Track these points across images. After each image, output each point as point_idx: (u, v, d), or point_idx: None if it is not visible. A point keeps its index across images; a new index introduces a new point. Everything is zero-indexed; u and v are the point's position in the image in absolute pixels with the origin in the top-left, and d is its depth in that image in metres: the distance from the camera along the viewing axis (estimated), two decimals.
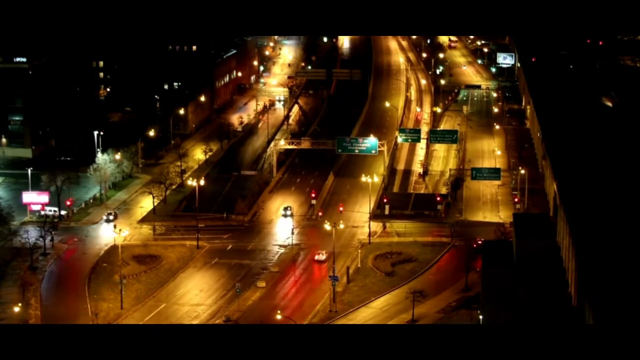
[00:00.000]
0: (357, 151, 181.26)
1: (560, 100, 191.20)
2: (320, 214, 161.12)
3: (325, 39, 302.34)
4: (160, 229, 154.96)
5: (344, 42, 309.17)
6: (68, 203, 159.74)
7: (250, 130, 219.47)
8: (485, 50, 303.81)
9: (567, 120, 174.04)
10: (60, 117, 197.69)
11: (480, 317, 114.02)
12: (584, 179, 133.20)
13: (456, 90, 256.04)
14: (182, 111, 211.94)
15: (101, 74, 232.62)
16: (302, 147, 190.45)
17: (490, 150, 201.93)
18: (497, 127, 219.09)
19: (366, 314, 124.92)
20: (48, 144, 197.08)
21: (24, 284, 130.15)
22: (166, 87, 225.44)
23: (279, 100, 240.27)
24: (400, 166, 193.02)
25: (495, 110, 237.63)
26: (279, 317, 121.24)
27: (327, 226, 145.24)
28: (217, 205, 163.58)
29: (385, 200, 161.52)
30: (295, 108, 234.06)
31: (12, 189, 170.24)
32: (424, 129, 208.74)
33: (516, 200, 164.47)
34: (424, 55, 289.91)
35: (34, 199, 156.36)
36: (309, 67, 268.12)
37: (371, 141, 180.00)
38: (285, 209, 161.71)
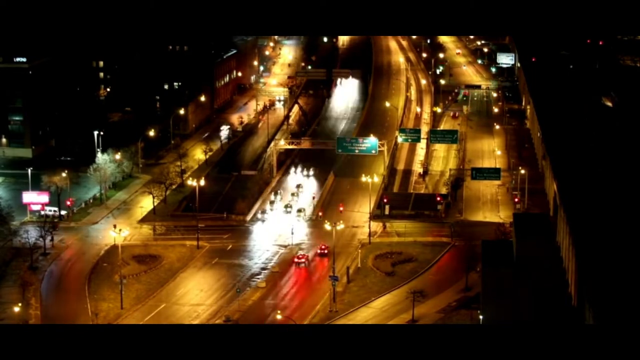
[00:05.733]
0: (357, 151, 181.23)
1: (560, 100, 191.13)
2: (320, 214, 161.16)
3: (325, 39, 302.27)
4: (160, 229, 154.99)
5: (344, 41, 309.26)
6: (68, 203, 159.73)
7: (250, 130, 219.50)
8: (485, 50, 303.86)
9: (567, 120, 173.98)
10: (60, 117, 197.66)
11: (480, 317, 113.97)
12: (584, 179, 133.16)
13: (456, 90, 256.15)
14: (182, 111, 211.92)
15: (101, 74, 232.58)
16: (302, 147, 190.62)
17: (490, 150, 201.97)
18: (497, 127, 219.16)
19: (366, 314, 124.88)
20: (48, 144, 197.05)
21: (24, 284, 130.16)
22: (166, 87, 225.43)
23: (279, 100, 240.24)
24: (400, 166, 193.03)
25: (496, 110, 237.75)
26: (279, 317, 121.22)
27: (327, 226, 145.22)
28: (217, 205, 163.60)
29: (385, 200, 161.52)
30: (295, 108, 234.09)
31: (12, 189, 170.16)
32: (424, 129, 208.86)
33: (516, 200, 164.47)
34: (424, 55, 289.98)
35: (34, 199, 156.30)
36: (309, 67, 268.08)
37: (371, 141, 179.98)
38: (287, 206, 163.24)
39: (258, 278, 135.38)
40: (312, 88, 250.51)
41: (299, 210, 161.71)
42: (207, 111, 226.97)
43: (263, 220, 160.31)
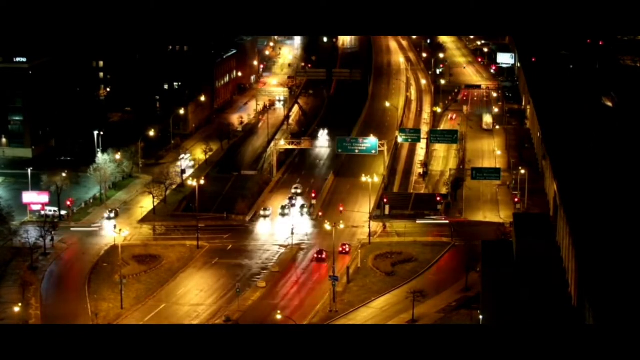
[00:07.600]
0: (357, 151, 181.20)
1: (560, 100, 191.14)
2: (320, 214, 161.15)
3: (325, 39, 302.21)
4: (160, 229, 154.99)
5: (345, 41, 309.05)
6: (68, 203, 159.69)
7: (250, 130, 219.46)
8: (486, 50, 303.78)
9: (567, 120, 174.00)
10: (60, 117, 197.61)
11: (480, 317, 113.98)
12: (584, 179, 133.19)
13: (456, 90, 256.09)
14: (182, 111, 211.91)
15: (101, 74, 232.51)
16: (302, 147, 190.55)
17: (490, 150, 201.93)
18: (497, 127, 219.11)
19: (366, 314, 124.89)
20: (48, 144, 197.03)
21: (24, 284, 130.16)
22: (166, 87, 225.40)
23: (279, 100, 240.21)
24: (400, 166, 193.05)
25: (496, 110, 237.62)
26: (279, 317, 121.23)
27: (327, 226, 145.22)
28: (217, 205, 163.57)
29: (385, 200, 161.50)
30: (295, 108, 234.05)
31: (12, 189, 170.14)
32: (424, 129, 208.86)
33: (516, 200, 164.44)
34: (424, 55, 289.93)
35: (34, 199, 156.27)
36: (309, 66, 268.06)
37: (371, 141, 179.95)
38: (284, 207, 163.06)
39: (258, 278, 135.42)
40: (312, 88, 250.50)
41: (302, 207, 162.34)
42: (207, 111, 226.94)
43: (266, 216, 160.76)
